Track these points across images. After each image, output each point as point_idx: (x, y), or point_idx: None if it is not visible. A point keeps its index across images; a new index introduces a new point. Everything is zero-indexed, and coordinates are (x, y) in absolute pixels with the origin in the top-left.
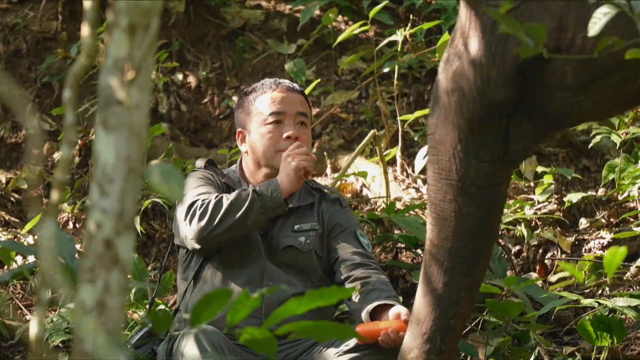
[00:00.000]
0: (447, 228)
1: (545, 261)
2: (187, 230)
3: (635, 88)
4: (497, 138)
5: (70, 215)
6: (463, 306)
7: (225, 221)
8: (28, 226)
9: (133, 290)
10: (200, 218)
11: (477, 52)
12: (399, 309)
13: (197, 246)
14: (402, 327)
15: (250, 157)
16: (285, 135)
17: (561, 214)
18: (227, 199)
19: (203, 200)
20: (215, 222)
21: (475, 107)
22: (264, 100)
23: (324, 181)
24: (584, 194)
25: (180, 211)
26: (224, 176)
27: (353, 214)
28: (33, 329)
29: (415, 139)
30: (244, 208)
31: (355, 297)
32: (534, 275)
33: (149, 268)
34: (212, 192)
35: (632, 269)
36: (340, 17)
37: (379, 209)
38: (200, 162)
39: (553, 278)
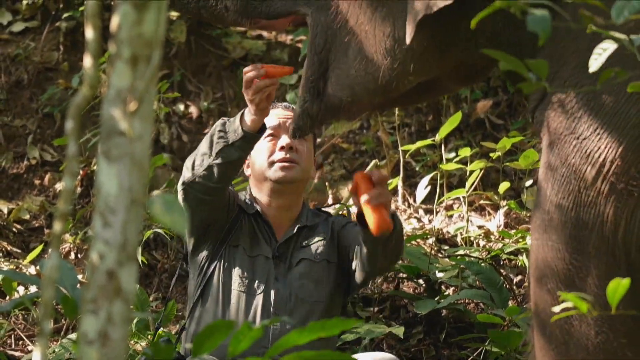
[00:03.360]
0: None
1: None
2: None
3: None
4: None
5: (72, 245)
6: None
7: (199, 162)
8: (30, 257)
9: (135, 321)
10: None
11: None
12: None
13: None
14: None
15: (252, 177)
16: (279, 145)
17: None
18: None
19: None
20: (195, 166)
21: None
22: None
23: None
24: None
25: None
26: (238, 198)
27: None
28: (35, 359)
29: (417, 169)
30: (208, 139)
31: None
32: None
33: (151, 298)
34: None
35: None
36: None
37: None
38: None
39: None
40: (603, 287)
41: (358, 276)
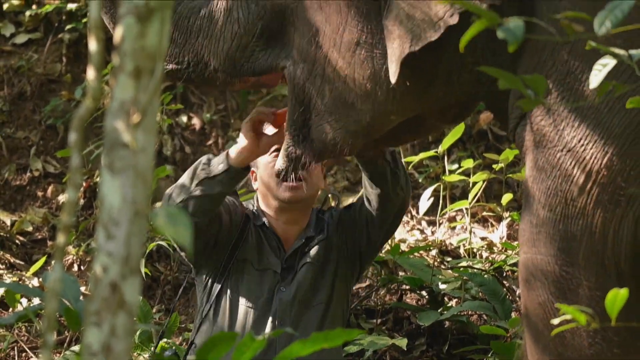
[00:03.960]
0: None
1: None
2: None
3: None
4: None
5: (75, 257)
6: None
7: (176, 193)
8: (33, 269)
9: (138, 333)
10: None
11: None
12: None
13: None
14: None
15: (260, 192)
16: None
17: None
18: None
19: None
20: (172, 197)
21: None
22: None
23: None
24: None
25: None
26: (245, 208)
27: None
28: None
29: (420, 180)
30: (191, 172)
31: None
32: None
33: (154, 310)
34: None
35: None
36: None
37: (383, 251)
38: None
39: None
40: (594, 298)
41: (377, 222)
